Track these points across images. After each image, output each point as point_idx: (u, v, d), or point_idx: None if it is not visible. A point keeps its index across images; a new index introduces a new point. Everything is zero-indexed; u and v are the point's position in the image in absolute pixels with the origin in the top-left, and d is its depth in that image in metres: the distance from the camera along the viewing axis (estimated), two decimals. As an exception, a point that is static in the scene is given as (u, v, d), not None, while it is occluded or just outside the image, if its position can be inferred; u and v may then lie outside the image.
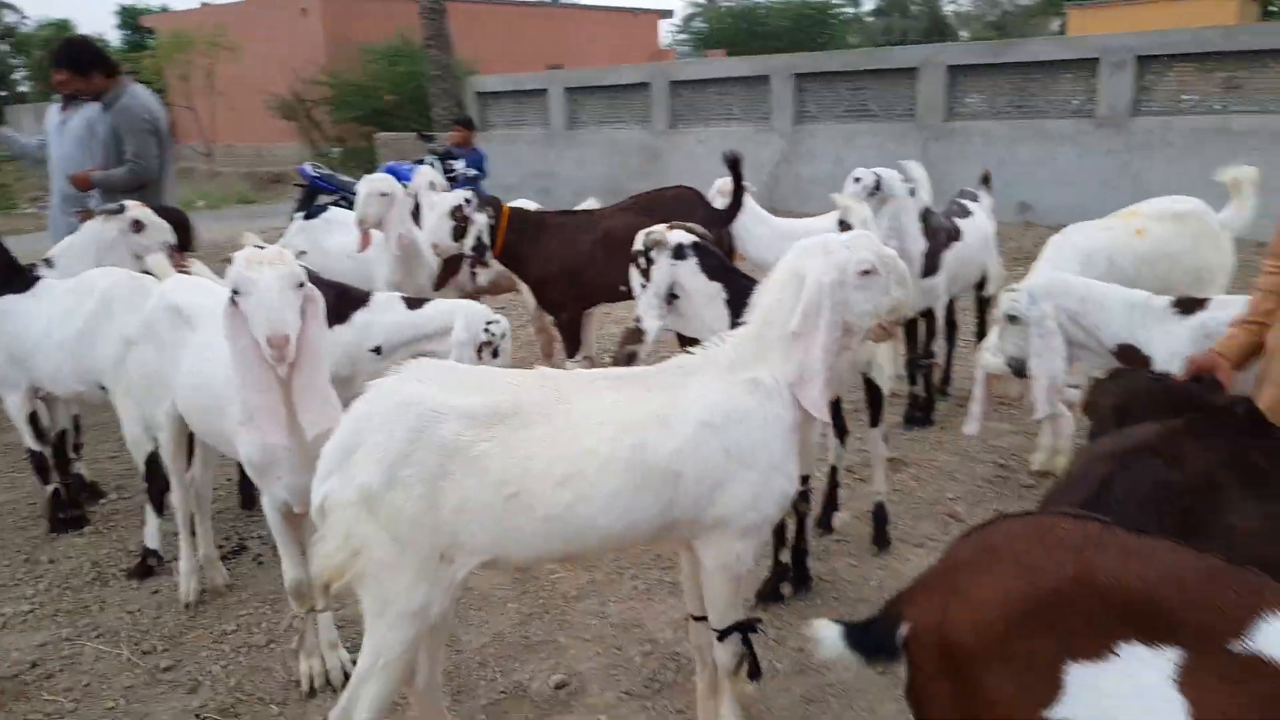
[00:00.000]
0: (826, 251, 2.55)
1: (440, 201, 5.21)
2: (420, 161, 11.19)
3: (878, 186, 4.74)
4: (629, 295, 5.28)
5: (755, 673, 2.74)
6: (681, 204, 5.21)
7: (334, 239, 6.18)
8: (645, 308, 3.23)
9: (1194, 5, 28.81)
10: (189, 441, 3.88)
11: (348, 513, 2.29)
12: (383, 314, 4.12)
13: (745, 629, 2.66)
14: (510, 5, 33.05)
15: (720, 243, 5.16)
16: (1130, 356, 3.50)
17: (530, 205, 5.90)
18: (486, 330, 3.93)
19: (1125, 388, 2.63)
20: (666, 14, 42.28)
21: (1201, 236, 4.54)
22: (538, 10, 35.31)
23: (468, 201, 5.17)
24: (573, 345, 5.51)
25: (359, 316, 4.10)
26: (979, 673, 1.57)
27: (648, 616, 3.68)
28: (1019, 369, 3.64)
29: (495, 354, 3.95)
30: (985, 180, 6.11)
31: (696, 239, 3.37)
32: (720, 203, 5.77)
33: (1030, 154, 11.63)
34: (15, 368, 4.23)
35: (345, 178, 11.82)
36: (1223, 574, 1.48)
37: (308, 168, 11.20)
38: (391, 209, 5.56)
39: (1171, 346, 3.34)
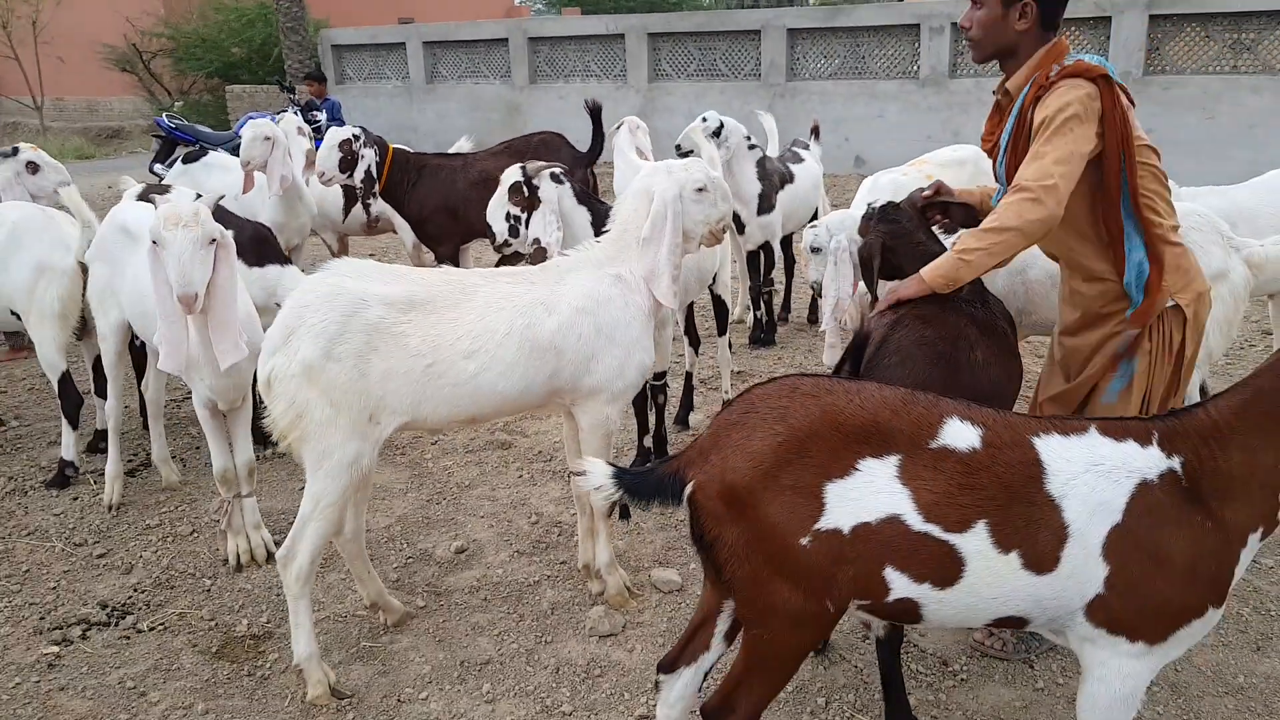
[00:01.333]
0: (669, 172, 3.20)
1: (331, 134, 5.59)
2: (281, 113, 11.30)
3: (719, 130, 5.41)
4: (503, 231, 5.83)
5: (625, 514, 3.39)
6: (548, 147, 5.76)
7: (214, 181, 6.45)
8: (543, 226, 3.75)
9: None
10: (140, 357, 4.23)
11: (291, 383, 2.80)
12: (294, 281, 4.26)
13: (616, 478, 3.30)
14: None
15: (585, 181, 5.77)
16: None
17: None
18: None
19: (890, 231, 3.12)
20: (520, -30, 41.72)
21: (977, 176, 5.41)
22: (388, -37, 34.54)
23: (356, 137, 5.56)
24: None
25: (272, 270, 4.36)
26: (758, 506, 1.96)
27: (533, 496, 4.29)
28: (819, 291, 4.30)
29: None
30: (814, 131, 6.88)
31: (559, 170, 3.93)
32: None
33: (864, 111, 12.63)
34: None
35: (203, 128, 11.79)
36: (913, 398, 2.10)
37: (164, 120, 11.15)
38: (274, 152, 5.90)
39: None
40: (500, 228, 3.79)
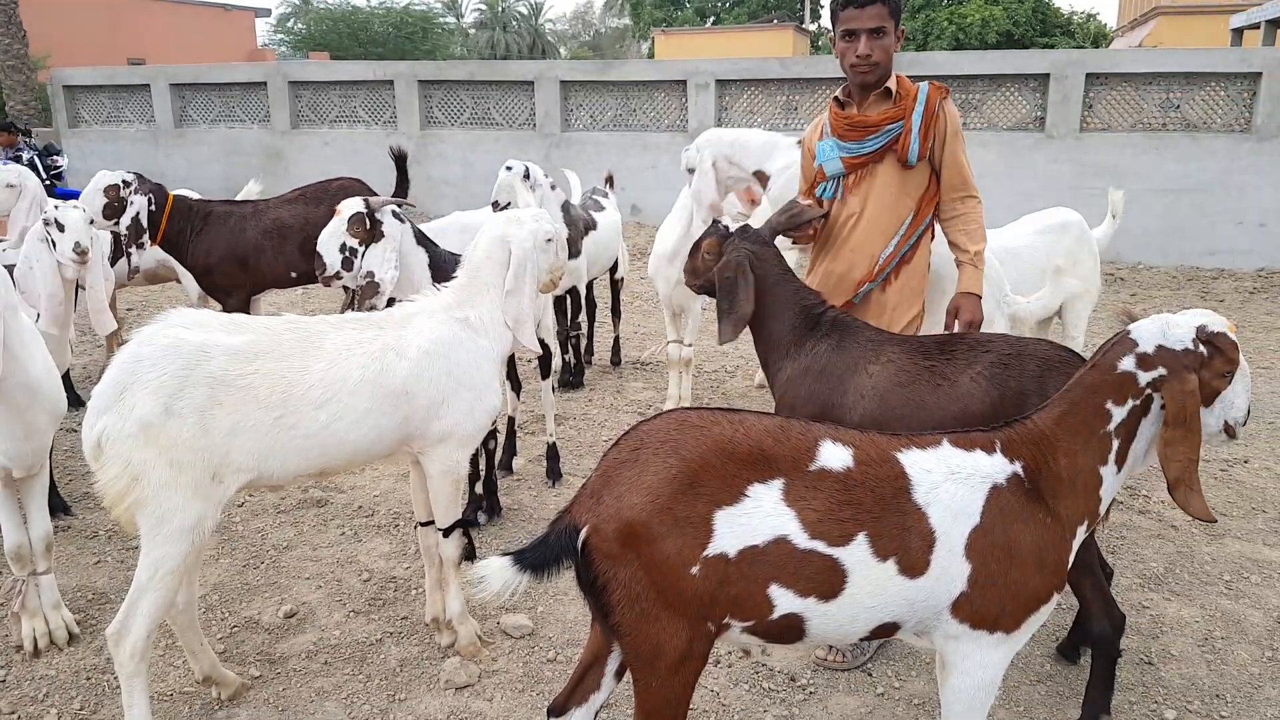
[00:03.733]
0: (521, 223, 3.24)
1: (97, 179, 5.19)
2: (17, 158, 10.29)
3: (527, 175, 5.48)
4: (299, 281, 5.63)
5: (473, 557, 3.35)
6: (347, 194, 5.55)
7: (-43, 233, 5.80)
8: (380, 261, 3.64)
9: (758, 35, 33.45)
10: None
11: (126, 444, 2.58)
12: None
13: (465, 525, 3.27)
14: (86, -8, 30.13)
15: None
16: (763, 178, 4.84)
17: (191, 194, 5.93)
18: (46, 214, 3.85)
19: (756, 253, 3.17)
20: (264, 13, 40.28)
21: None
22: (117, 1, 32.37)
23: (126, 183, 5.18)
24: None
25: None
26: (653, 540, 2.00)
27: (360, 553, 4.13)
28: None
29: (60, 227, 3.76)
30: (609, 181, 7.10)
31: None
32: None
33: (637, 162, 13.10)
34: None
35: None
36: (789, 425, 2.24)
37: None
38: (20, 201, 5.44)
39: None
40: (333, 259, 3.63)
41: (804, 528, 2.08)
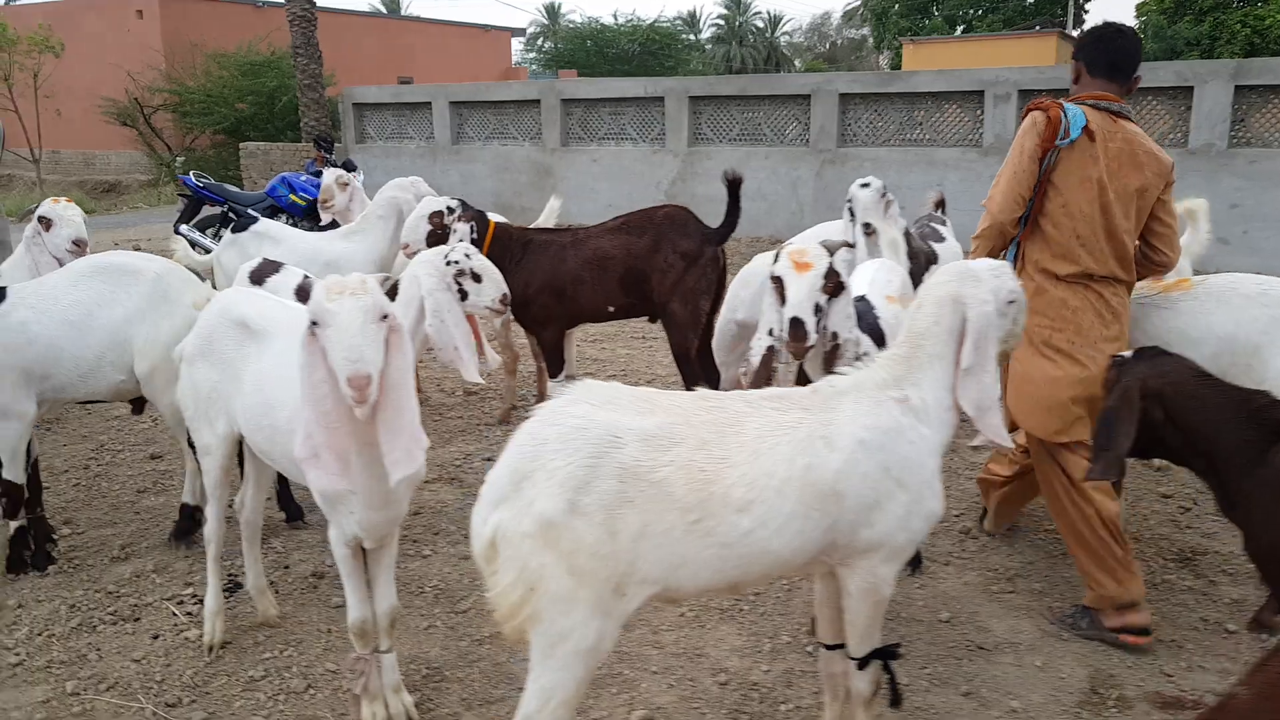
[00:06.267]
0: (978, 279, 2.57)
1: (423, 204, 5.04)
2: (318, 174, 10.70)
3: (885, 193, 4.80)
4: (617, 315, 5.20)
5: (896, 700, 2.68)
6: (674, 223, 5.10)
7: (266, 253, 5.83)
8: (844, 318, 3.05)
9: (1018, 44, 31.15)
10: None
11: (524, 545, 2.12)
12: None
13: (886, 655, 2.62)
14: (360, 17, 32.27)
15: (717, 260, 5.13)
16: None
17: (496, 217, 5.68)
18: (452, 264, 3.63)
19: (1161, 372, 2.67)
20: (519, 32, 42.02)
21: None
22: (389, 23, 34.50)
23: (450, 210, 4.96)
24: (555, 365, 5.33)
25: None
26: None
27: (708, 644, 3.57)
28: None
29: (476, 277, 3.65)
30: (940, 205, 6.30)
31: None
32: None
33: (920, 180, 12.11)
34: (25, 388, 3.82)
35: (232, 188, 11.18)
36: None
37: (191, 178, 10.53)
38: (355, 196, 7.01)
39: None
40: (813, 321, 2.93)
41: None
